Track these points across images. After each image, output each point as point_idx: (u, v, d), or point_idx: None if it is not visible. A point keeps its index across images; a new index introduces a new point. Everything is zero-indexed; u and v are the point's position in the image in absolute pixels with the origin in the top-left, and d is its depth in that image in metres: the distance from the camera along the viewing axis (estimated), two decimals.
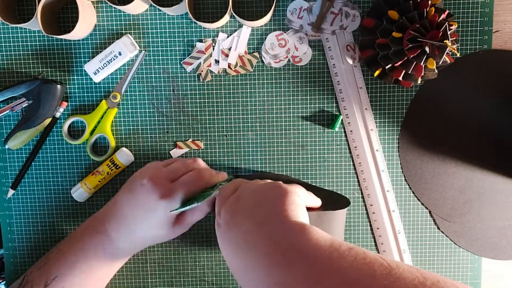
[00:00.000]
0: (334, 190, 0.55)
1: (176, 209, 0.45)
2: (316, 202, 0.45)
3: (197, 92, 0.54)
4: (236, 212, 0.39)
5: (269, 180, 0.45)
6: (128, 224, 0.47)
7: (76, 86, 0.54)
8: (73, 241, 0.48)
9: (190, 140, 0.55)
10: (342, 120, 0.54)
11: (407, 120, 0.54)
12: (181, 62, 0.54)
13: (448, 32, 0.44)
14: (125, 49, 0.52)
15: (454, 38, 0.46)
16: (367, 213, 0.55)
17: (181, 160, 0.51)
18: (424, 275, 0.29)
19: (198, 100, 0.54)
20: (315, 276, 0.31)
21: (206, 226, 0.56)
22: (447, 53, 0.44)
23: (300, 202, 0.40)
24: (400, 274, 0.29)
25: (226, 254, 0.39)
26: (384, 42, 0.48)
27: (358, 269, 0.30)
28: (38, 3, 0.47)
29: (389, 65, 0.49)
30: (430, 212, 0.55)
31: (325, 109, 0.54)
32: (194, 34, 0.53)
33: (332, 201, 0.49)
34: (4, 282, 0.58)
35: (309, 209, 0.42)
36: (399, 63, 0.47)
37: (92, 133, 0.54)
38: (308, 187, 0.48)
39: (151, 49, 0.54)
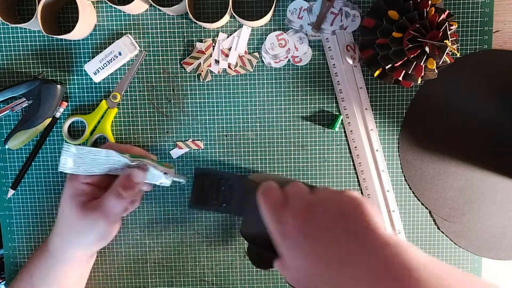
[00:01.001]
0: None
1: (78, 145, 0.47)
2: None
3: (197, 92, 0.54)
4: (315, 222, 0.37)
5: (324, 186, 0.43)
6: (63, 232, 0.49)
7: (76, 86, 0.54)
8: (24, 265, 0.52)
9: (190, 140, 0.55)
10: (342, 120, 0.54)
11: (407, 120, 0.54)
12: (181, 62, 0.54)
13: (448, 32, 0.44)
14: (125, 49, 0.52)
15: (454, 38, 0.46)
16: None
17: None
18: None
19: (198, 100, 0.54)
20: None
21: (206, 226, 0.56)
22: (447, 53, 0.44)
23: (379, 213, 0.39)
24: None
25: (308, 266, 0.36)
26: (384, 42, 0.48)
27: None
28: (38, 3, 0.47)
29: (389, 65, 0.49)
30: (430, 212, 0.55)
31: (325, 109, 0.54)
32: (194, 34, 0.53)
33: None
34: (4, 282, 0.58)
35: None
36: (399, 63, 0.47)
37: (92, 133, 0.54)
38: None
39: (151, 49, 0.54)
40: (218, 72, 0.54)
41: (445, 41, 0.43)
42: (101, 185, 0.49)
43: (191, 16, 0.50)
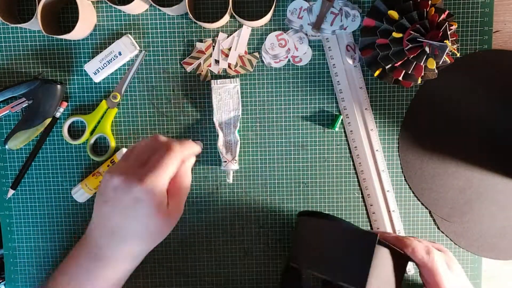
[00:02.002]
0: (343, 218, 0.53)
1: None
2: None
3: (197, 92, 0.54)
4: None
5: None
6: (121, 236, 0.41)
7: (76, 86, 0.54)
8: (68, 271, 0.44)
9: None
10: (342, 120, 0.54)
11: (407, 120, 0.54)
12: (181, 62, 0.54)
13: (448, 32, 0.44)
14: (125, 49, 0.52)
15: (454, 38, 0.46)
16: (367, 213, 0.55)
17: (141, 143, 0.45)
18: None
19: (198, 100, 0.54)
20: None
21: (206, 226, 0.56)
22: (447, 53, 0.44)
23: None
24: None
25: None
26: (384, 42, 0.48)
27: None
28: (38, 3, 0.47)
29: (389, 65, 0.49)
30: (430, 212, 0.55)
31: (325, 109, 0.54)
32: (194, 34, 0.53)
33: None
34: (4, 282, 0.58)
35: None
36: (399, 63, 0.47)
37: (92, 133, 0.54)
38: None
39: (151, 49, 0.54)
40: (218, 72, 0.54)
41: (445, 41, 0.43)
42: None
43: (191, 16, 0.50)
